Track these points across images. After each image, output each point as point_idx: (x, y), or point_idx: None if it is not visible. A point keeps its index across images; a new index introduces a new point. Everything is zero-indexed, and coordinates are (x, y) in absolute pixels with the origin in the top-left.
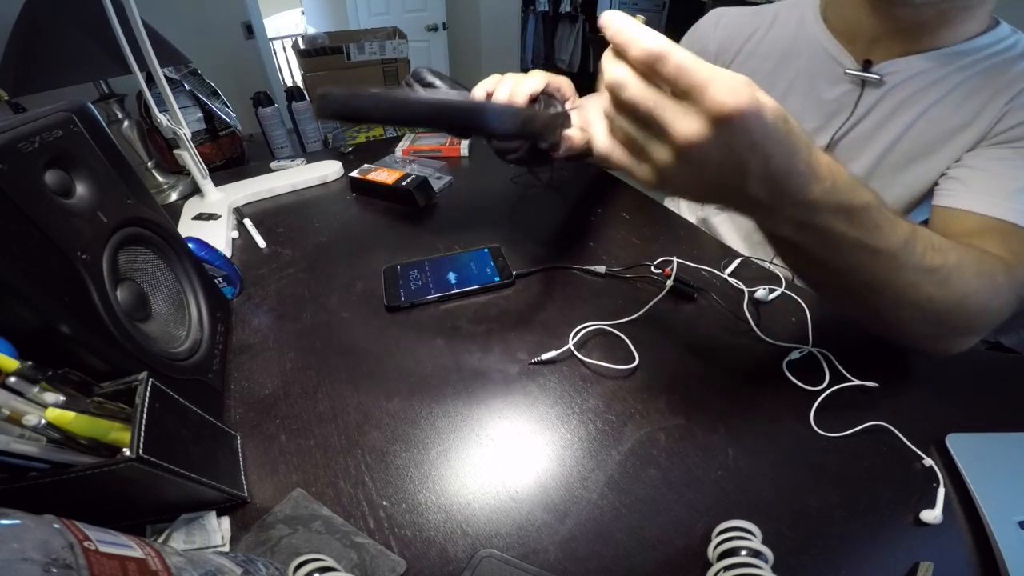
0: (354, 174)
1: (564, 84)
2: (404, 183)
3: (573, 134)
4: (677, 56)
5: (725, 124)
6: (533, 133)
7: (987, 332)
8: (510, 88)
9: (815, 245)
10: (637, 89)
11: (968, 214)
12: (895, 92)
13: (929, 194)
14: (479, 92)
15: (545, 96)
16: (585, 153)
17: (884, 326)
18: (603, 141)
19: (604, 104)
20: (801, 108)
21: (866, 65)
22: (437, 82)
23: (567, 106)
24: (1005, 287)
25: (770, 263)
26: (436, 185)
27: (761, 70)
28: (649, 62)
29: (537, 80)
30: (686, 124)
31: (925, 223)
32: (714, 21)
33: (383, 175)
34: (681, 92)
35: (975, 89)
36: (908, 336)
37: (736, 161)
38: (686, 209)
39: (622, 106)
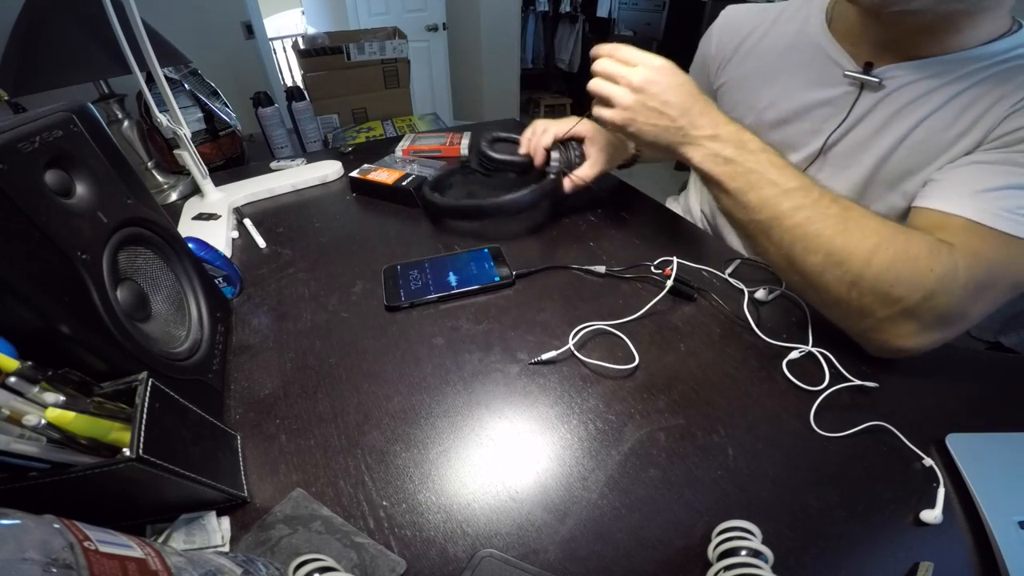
0: (354, 174)
1: (581, 128)
2: (404, 183)
3: (575, 177)
4: (624, 48)
5: (658, 69)
6: (540, 202)
7: (932, 321)
8: (534, 146)
9: (732, 177)
10: (608, 62)
11: (929, 211)
12: (893, 97)
13: None
14: (523, 142)
15: (559, 145)
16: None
17: (812, 284)
18: (596, 112)
19: (591, 85)
20: (796, 108)
21: (867, 68)
22: (491, 153)
23: (585, 143)
24: (931, 262)
25: None
26: None
27: (760, 67)
28: (610, 52)
29: (548, 136)
30: (636, 72)
31: None
32: (723, 21)
33: (383, 175)
34: (630, 63)
35: (978, 96)
36: (837, 302)
37: (668, 98)
38: (687, 210)
39: (599, 74)
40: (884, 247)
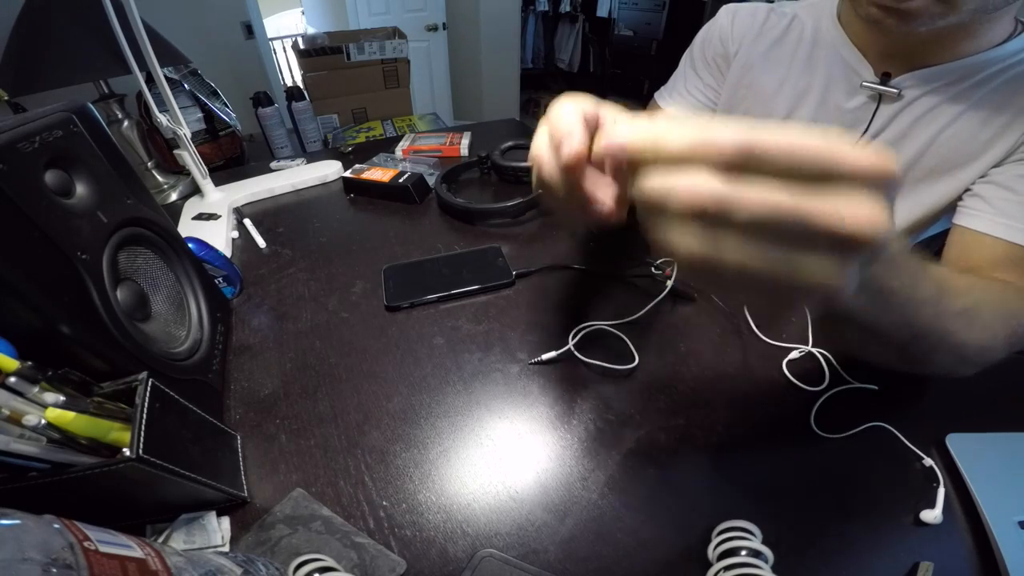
0: (347, 174)
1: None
2: (400, 180)
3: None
4: (777, 136)
5: (888, 185)
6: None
7: None
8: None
9: (874, 304)
10: (767, 196)
11: (992, 240)
12: (913, 107)
13: (948, 209)
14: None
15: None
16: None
17: (913, 368)
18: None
19: (687, 246)
20: (813, 117)
21: (884, 78)
22: (500, 162)
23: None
24: None
25: None
26: (431, 182)
27: (775, 72)
28: (744, 152)
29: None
30: (859, 206)
31: (936, 237)
32: (729, 19)
33: (377, 174)
34: (813, 174)
35: (1002, 103)
36: (932, 372)
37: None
38: None
39: (747, 228)
40: (998, 334)
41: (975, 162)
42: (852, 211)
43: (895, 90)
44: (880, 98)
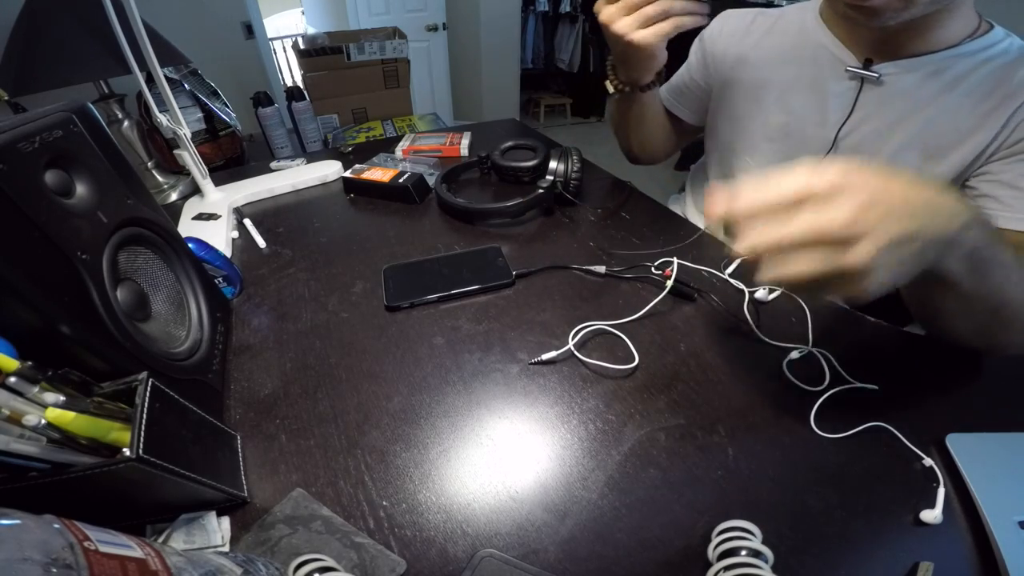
0: (347, 174)
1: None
2: (400, 180)
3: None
4: (777, 185)
5: (857, 172)
6: (526, 211)
7: None
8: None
9: (973, 273)
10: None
11: (1012, 233)
12: (898, 94)
13: None
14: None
15: (558, 154)
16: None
17: (988, 341)
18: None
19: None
20: (804, 103)
21: (867, 64)
22: (501, 162)
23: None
24: None
25: None
26: (431, 182)
27: (764, 69)
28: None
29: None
30: (843, 195)
31: None
32: (720, 26)
33: (377, 174)
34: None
35: (983, 94)
36: (995, 347)
37: (911, 199)
38: (687, 210)
39: (801, 243)
40: None
41: (958, 149)
42: (825, 217)
43: (875, 74)
44: (863, 82)
